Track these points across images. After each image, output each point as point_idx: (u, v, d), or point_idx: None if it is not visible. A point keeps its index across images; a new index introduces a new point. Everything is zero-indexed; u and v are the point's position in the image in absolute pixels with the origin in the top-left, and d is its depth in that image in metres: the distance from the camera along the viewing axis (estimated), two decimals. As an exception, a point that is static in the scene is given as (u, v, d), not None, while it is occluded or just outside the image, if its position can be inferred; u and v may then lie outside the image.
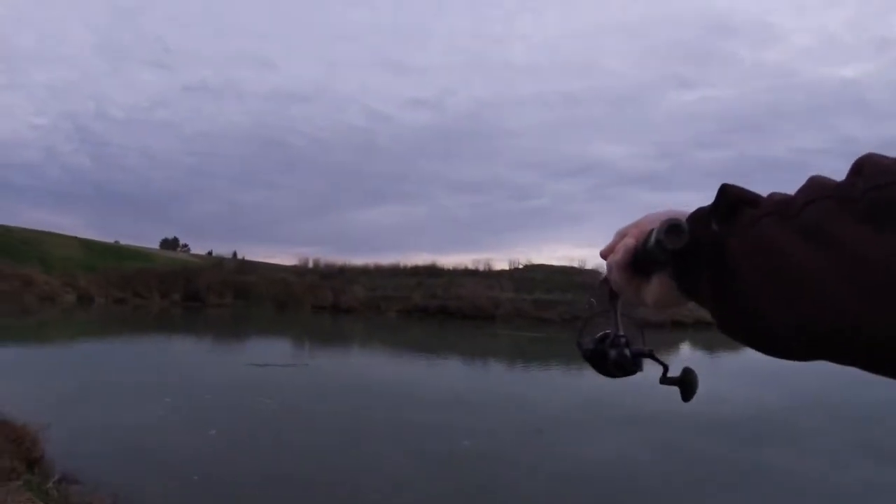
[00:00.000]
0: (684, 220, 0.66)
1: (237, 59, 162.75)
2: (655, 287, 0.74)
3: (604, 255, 0.83)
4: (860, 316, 0.47)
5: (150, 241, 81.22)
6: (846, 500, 7.95)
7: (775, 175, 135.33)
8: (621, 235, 0.79)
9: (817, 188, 0.55)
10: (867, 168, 0.52)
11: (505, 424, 11.52)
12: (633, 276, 0.77)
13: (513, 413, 12.74)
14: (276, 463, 8.36)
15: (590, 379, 18.68)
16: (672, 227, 0.64)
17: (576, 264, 57.61)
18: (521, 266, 58.42)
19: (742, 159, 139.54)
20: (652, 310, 0.79)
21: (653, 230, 0.68)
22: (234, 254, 68.78)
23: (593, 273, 53.91)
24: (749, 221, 0.59)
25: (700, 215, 0.65)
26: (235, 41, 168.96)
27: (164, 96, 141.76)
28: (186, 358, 20.44)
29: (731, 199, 0.61)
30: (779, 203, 0.57)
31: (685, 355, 29.48)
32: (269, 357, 19.42)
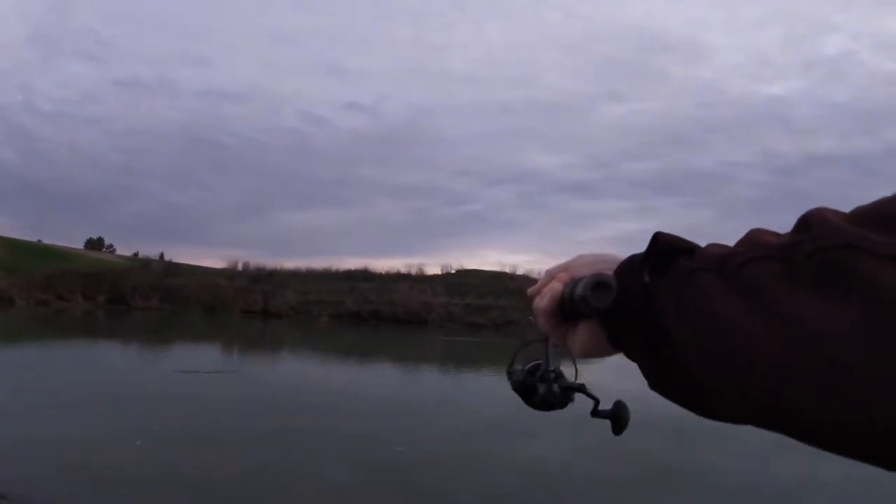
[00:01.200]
0: (615, 268, 0.64)
1: (173, 55, 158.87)
2: (583, 336, 0.71)
3: (531, 295, 0.79)
4: (802, 395, 0.44)
5: (74, 240, 78.69)
6: (775, 495, 8.30)
7: (701, 186, 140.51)
8: (550, 277, 0.75)
9: (759, 245, 0.50)
10: (815, 226, 0.46)
11: (439, 430, 11.61)
12: (559, 323, 0.73)
13: (446, 418, 12.85)
14: (205, 473, 8.22)
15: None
16: (598, 284, 0.61)
17: (508, 270, 58.51)
18: (453, 271, 58.88)
19: (670, 170, 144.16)
20: (579, 358, 0.77)
21: (579, 281, 0.65)
22: (162, 255, 66.94)
23: (525, 279, 54.77)
24: (682, 275, 0.55)
25: (631, 265, 0.62)
26: (172, 37, 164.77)
27: (95, 91, 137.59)
28: (111, 364, 19.79)
29: (664, 249, 0.58)
30: (717, 258, 0.53)
31: (616, 357, 30.22)
32: (197, 364, 19.04)
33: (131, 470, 8.12)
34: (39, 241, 66.93)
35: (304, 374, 20.06)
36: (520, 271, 57.91)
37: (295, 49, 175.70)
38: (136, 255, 71.76)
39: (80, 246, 77.51)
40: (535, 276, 55.93)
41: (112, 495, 7.14)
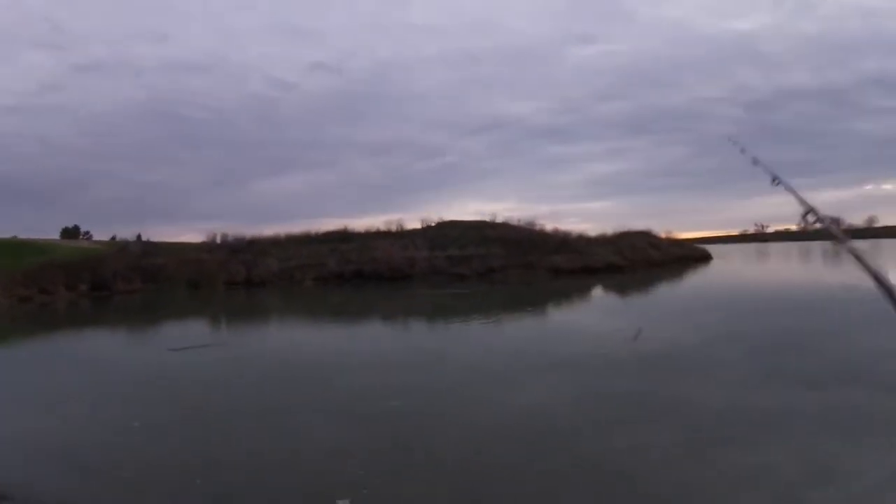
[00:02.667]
0: None
1: (130, 32, 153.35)
2: None
3: None
4: None
5: (50, 231, 77.29)
6: (758, 424, 8.49)
7: (674, 123, 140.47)
8: None
9: None
10: None
11: (431, 381, 11.76)
12: None
13: (437, 369, 12.99)
14: (205, 447, 8.33)
15: (508, 330, 19.27)
16: None
17: (487, 218, 58.48)
18: (433, 224, 58.80)
19: (642, 110, 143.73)
20: None
21: None
22: (139, 236, 65.90)
23: (504, 226, 54.96)
24: None
25: None
26: (127, 14, 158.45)
27: (55, 79, 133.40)
28: (101, 350, 19.76)
29: None
30: None
31: (597, 297, 30.55)
32: (186, 340, 19.05)
33: (132, 453, 8.18)
34: (14, 236, 65.73)
35: (293, 339, 20.15)
36: (499, 219, 58.02)
37: (253, 13, 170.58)
38: (113, 238, 70.81)
39: (56, 236, 76.40)
40: (514, 223, 56.09)
41: (115, 480, 7.18)
